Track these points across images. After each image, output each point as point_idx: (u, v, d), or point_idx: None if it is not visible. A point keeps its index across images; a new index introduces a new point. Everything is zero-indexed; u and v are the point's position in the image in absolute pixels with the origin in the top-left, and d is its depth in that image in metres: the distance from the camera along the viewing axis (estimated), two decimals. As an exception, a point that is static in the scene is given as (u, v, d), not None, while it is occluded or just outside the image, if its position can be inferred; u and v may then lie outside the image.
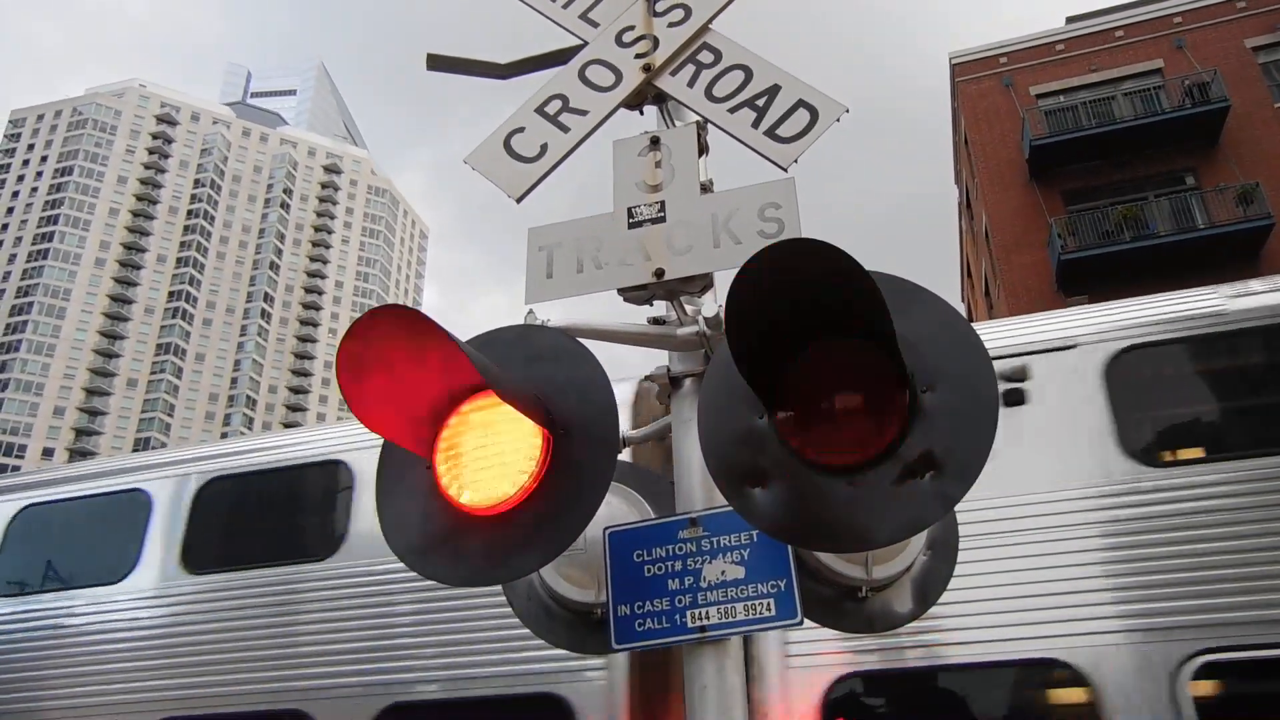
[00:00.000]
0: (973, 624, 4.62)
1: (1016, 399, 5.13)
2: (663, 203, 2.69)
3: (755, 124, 2.73)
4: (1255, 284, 5.24)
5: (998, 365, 5.22)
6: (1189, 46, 23.85)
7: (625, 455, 2.78)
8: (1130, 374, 5.10)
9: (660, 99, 3.01)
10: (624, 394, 5.53)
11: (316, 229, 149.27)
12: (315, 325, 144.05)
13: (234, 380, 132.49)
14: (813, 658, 4.74)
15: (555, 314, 2.57)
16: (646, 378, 2.69)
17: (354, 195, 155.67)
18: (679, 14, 3.06)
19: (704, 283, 2.60)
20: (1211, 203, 21.48)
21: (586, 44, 3.17)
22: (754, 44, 2.94)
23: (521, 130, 3.01)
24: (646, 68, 2.98)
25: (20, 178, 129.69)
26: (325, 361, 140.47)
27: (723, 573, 2.35)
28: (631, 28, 3.11)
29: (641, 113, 3.05)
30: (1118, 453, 4.87)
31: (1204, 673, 4.26)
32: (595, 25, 3.21)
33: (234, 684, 5.85)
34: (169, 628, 6.23)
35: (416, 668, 5.41)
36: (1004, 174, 24.34)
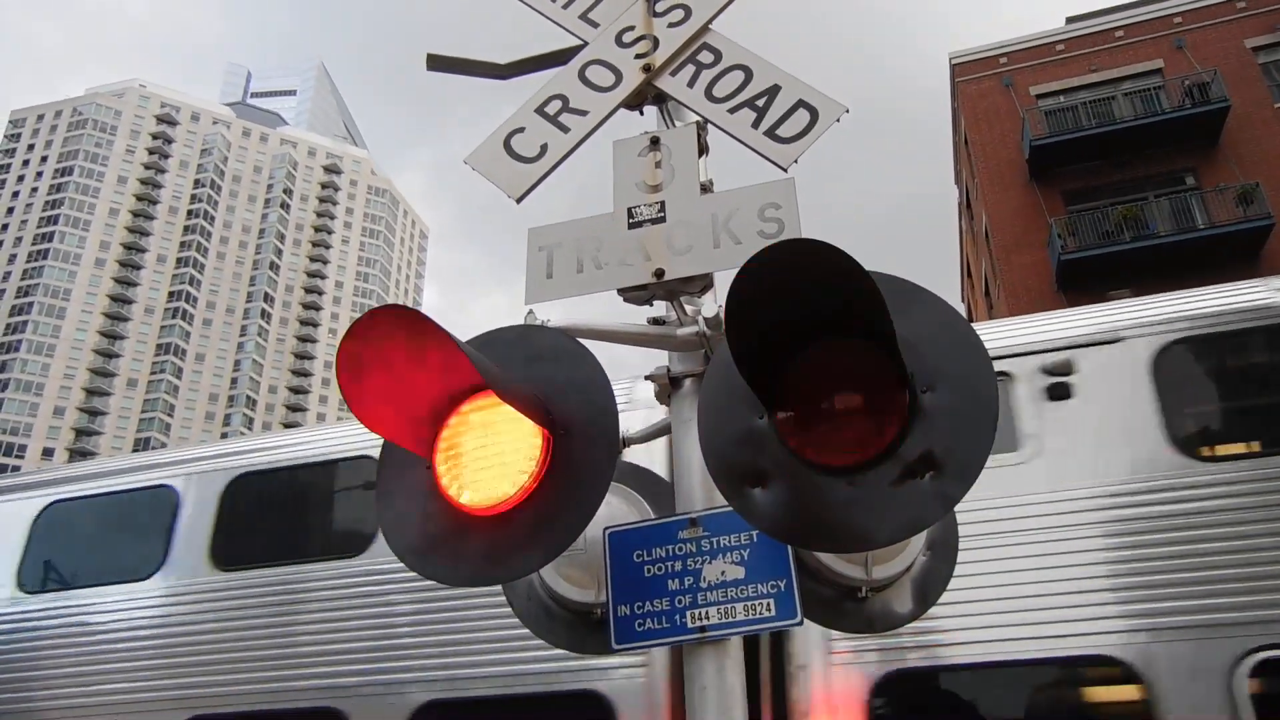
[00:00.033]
0: (1022, 620, 4.55)
1: (1062, 393, 5.10)
2: (663, 203, 2.69)
3: (755, 124, 2.73)
4: None
5: (1043, 359, 5.21)
6: (1189, 46, 23.85)
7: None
8: (1178, 368, 5.06)
9: (660, 99, 3.01)
10: (647, 392, 5.52)
11: (316, 229, 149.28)
12: (315, 325, 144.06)
13: (234, 380, 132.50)
14: (858, 655, 4.68)
15: (555, 314, 2.57)
16: (647, 377, 2.68)
17: (354, 195, 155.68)
18: (679, 14, 3.06)
19: (704, 283, 2.60)
20: (1212, 203, 21.48)
21: (586, 44, 3.17)
22: (754, 44, 2.94)
23: (521, 130, 3.01)
24: (646, 68, 2.98)
25: (20, 178, 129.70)
26: (325, 361, 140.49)
27: (723, 573, 2.35)
28: (631, 28, 3.11)
29: (641, 113, 3.05)
30: (1167, 447, 4.82)
31: (1260, 670, 4.18)
32: (595, 25, 3.21)
33: (266, 681, 5.79)
34: (198, 624, 6.17)
35: (453, 665, 5.34)
36: (1004, 174, 24.35)
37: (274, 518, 6.70)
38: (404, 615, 5.58)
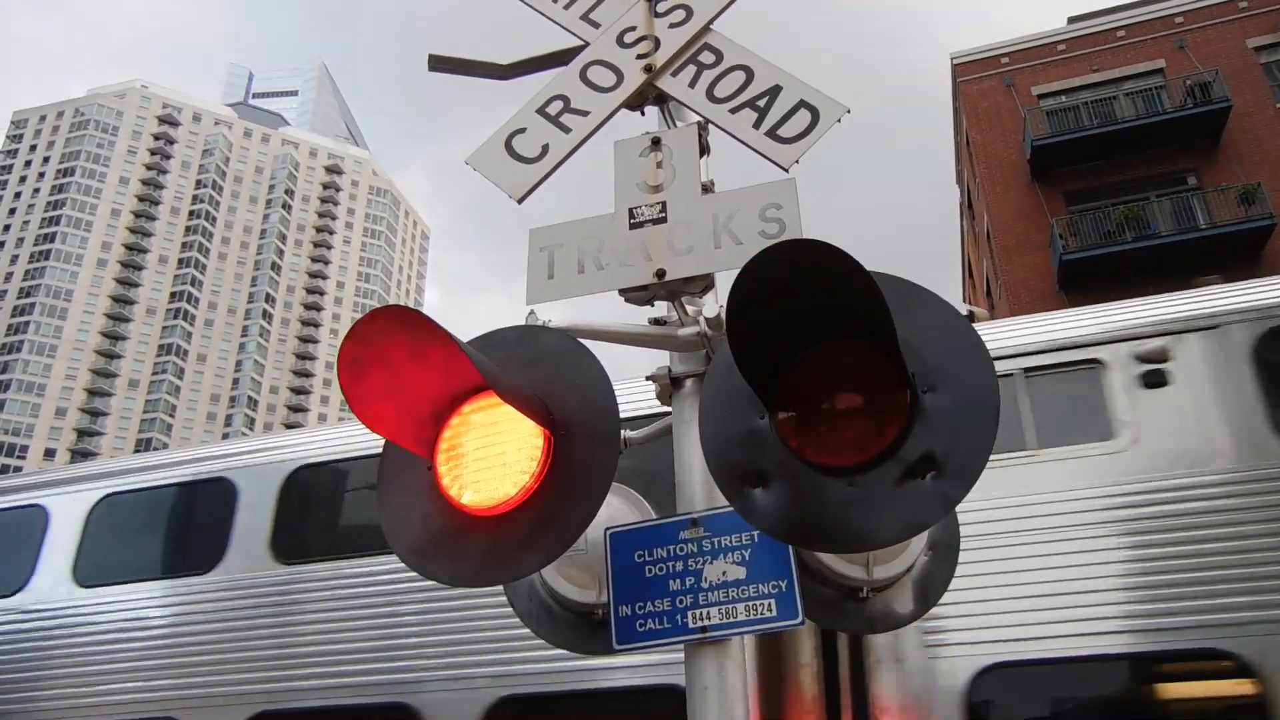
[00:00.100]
0: (1128, 612, 4.47)
1: (1158, 380, 5.05)
2: (664, 203, 2.69)
3: (756, 125, 2.73)
4: None
5: (1139, 346, 5.16)
6: (1191, 46, 23.83)
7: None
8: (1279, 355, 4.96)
9: (661, 100, 3.01)
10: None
11: (318, 229, 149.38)
12: (317, 326, 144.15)
13: (235, 381, 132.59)
14: (956, 647, 4.61)
15: (556, 314, 2.57)
16: (648, 378, 2.68)
17: (355, 196, 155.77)
18: (680, 15, 3.06)
19: (705, 283, 2.60)
20: (1213, 203, 21.46)
21: (588, 45, 3.17)
22: (754, 43, 2.94)
23: (523, 131, 3.01)
24: (648, 68, 2.98)
25: (22, 179, 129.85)
26: (327, 362, 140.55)
27: (724, 573, 2.35)
28: (633, 28, 3.11)
29: (643, 113, 3.05)
30: (1271, 435, 4.73)
31: None
32: (597, 26, 3.21)
33: (332, 677, 5.66)
34: (261, 618, 6.06)
35: (530, 659, 5.21)
36: (1005, 174, 24.33)
37: (336, 511, 6.60)
38: (476, 610, 5.45)
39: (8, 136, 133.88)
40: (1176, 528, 4.63)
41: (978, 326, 6.12)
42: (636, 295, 2.62)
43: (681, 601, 2.35)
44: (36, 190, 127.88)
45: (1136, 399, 5.04)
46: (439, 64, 3.57)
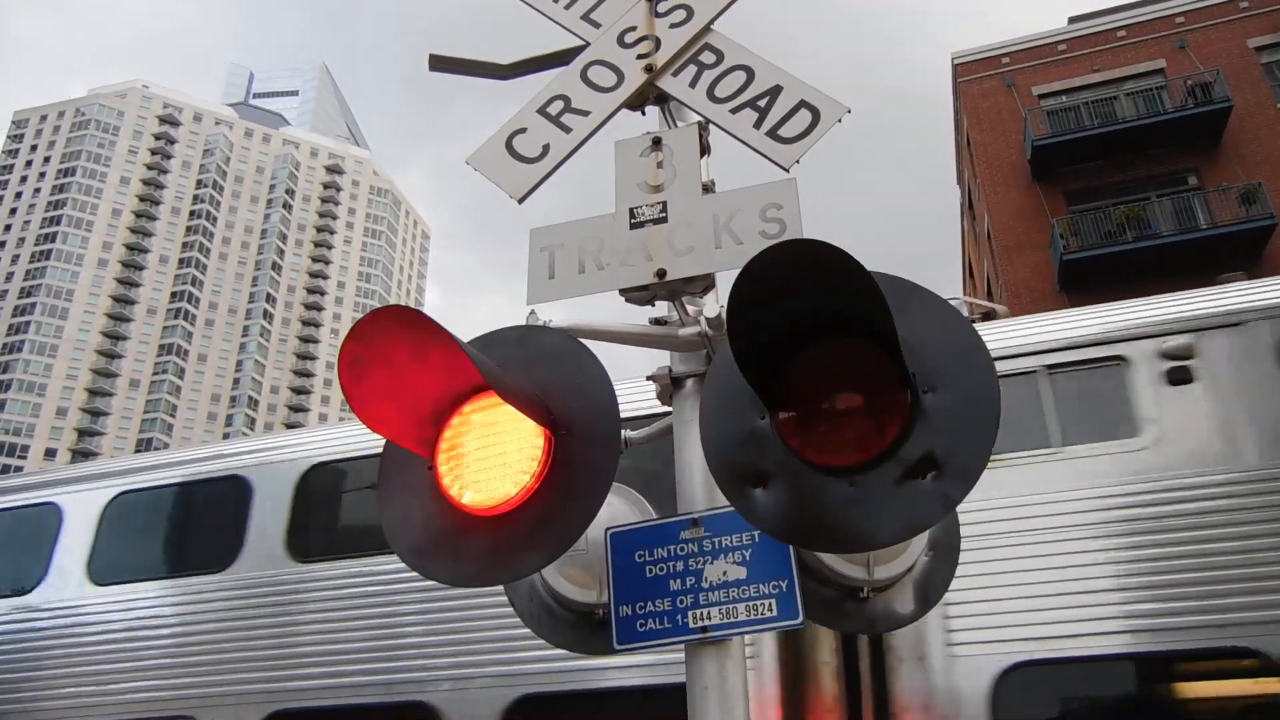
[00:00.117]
0: (1155, 610, 4.44)
1: (1183, 377, 5.03)
2: (664, 203, 2.69)
3: (757, 125, 2.73)
4: None
5: (1164, 343, 5.14)
6: (1191, 46, 23.82)
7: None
8: None
9: (662, 99, 3.01)
10: None
11: (318, 229, 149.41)
12: (317, 326, 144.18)
13: (236, 381, 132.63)
14: (981, 645, 4.57)
15: (557, 314, 2.57)
16: (649, 378, 2.68)
17: (356, 196, 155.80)
18: (681, 15, 3.06)
19: (706, 283, 2.60)
20: (1214, 203, 21.46)
21: (588, 45, 3.17)
22: (754, 43, 2.94)
23: (523, 131, 3.01)
24: (648, 68, 2.98)
25: (23, 178, 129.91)
26: (327, 362, 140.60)
27: (724, 573, 2.35)
28: (633, 28, 3.11)
29: (643, 113, 3.05)
30: None
31: None
32: (597, 26, 3.21)
33: (349, 675, 5.62)
34: (276, 617, 6.02)
35: (549, 657, 5.12)
36: (1006, 174, 24.33)
37: (351, 509, 6.56)
38: (494, 609, 5.40)
39: (9, 136, 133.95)
40: (1202, 525, 4.61)
41: (1001, 324, 6.03)
42: (637, 295, 2.62)
43: (682, 601, 2.35)
44: (37, 190, 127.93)
45: (1161, 396, 5.03)
46: (439, 64, 3.57)
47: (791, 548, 2.31)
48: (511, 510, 2.13)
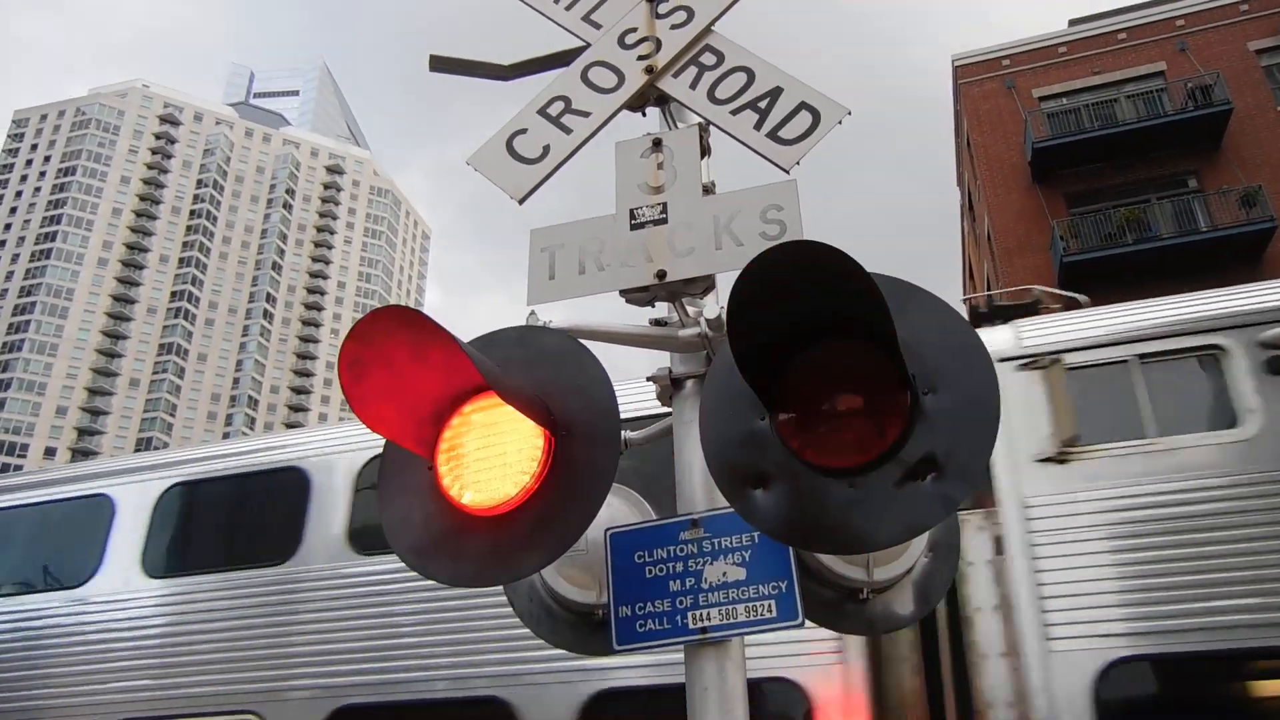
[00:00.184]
0: (1262, 605, 4.34)
1: None
2: (665, 204, 2.69)
3: (757, 126, 2.73)
4: None
5: (1263, 331, 5.06)
6: (1192, 49, 23.84)
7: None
8: None
9: (662, 101, 3.01)
10: None
11: (319, 229, 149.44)
12: (317, 326, 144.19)
13: (236, 380, 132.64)
14: (1081, 640, 4.47)
15: (557, 315, 2.57)
16: (649, 379, 2.68)
17: (356, 196, 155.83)
18: (681, 16, 3.06)
19: (706, 284, 2.60)
20: (1214, 205, 21.47)
21: (589, 46, 3.17)
22: (755, 43, 2.94)
23: (524, 131, 3.01)
24: (649, 69, 2.98)
25: (24, 178, 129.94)
26: (327, 362, 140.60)
27: (724, 574, 2.36)
28: (634, 30, 3.11)
29: (644, 114, 3.05)
30: None
31: None
32: (598, 27, 3.21)
33: (418, 670, 5.52)
34: (340, 610, 5.90)
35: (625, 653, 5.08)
36: (1006, 176, 24.34)
37: None
38: None
39: (9, 136, 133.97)
40: None
41: (1086, 312, 5.95)
42: (637, 296, 2.62)
43: (681, 602, 2.35)
44: (38, 189, 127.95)
45: (1262, 385, 4.95)
46: (440, 64, 3.57)
47: (791, 549, 2.31)
48: (511, 510, 2.13)
